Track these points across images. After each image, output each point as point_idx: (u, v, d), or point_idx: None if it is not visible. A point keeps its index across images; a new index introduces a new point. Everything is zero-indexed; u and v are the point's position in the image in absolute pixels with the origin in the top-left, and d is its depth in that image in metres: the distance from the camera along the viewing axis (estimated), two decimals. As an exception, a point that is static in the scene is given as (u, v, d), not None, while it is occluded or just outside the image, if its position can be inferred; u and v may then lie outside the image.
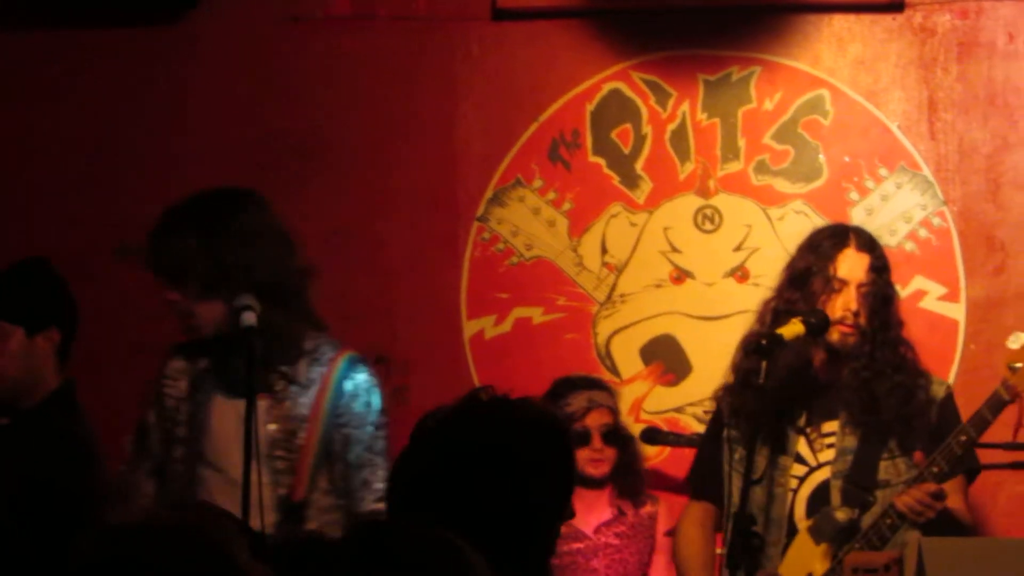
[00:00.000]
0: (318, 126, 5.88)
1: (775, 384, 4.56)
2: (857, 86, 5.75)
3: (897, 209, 5.70)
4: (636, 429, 5.58)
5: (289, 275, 4.62)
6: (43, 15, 5.86)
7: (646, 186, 5.81)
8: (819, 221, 5.58)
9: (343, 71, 5.88)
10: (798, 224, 5.63)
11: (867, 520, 4.60)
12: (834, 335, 4.67)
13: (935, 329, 5.55)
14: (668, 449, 5.67)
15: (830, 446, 4.71)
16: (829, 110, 5.76)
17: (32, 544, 4.04)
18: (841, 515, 4.64)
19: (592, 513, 5.19)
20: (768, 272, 5.61)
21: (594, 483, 5.17)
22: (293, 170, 5.82)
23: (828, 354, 4.71)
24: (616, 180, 5.82)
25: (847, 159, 5.75)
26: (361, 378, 4.66)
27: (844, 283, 4.69)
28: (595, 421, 5.22)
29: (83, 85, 5.93)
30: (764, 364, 4.48)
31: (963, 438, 4.54)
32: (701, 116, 5.81)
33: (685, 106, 5.81)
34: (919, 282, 5.65)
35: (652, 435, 5.60)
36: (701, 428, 5.60)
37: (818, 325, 4.62)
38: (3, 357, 4.56)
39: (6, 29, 5.88)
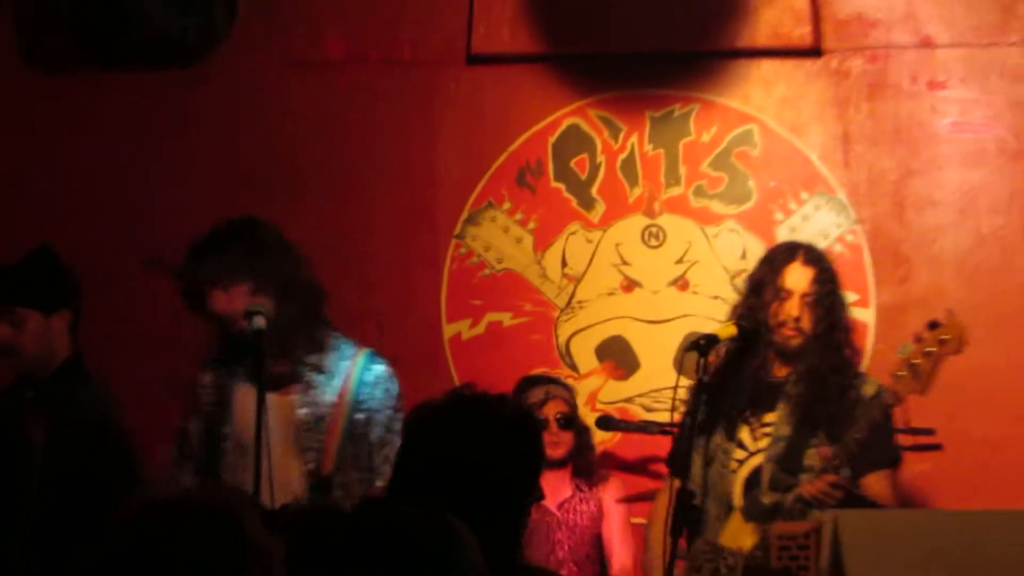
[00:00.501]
0: (315, 154, 5.91)
1: (732, 380, 4.67)
2: (782, 121, 5.79)
3: (816, 227, 5.74)
4: (592, 417, 5.67)
5: (309, 281, 4.76)
6: (81, 60, 5.86)
7: (600, 208, 5.86)
8: (749, 238, 5.69)
9: (337, 107, 5.92)
10: (731, 240, 5.76)
11: (788, 501, 4.61)
12: (779, 337, 4.72)
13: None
14: (619, 434, 5.74)
15: (767, 435, 4.72)
16: (757, 142, 5.80)
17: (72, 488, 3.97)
18: (766, 499, 4.65)
19: (555, 492, 5.21)
20: (705, 282, 5.76)
21: (553, 464, 5.21)
22: (294, 193, 5.81)
23: (777, 355, 4.74)
24: (574, 203, 5.87)
25: (773, 184, 5.80)
26: (380, 369, 4.79)
27: (790, 292, 4.71)
28: (551, 410, 5.25)
29: (112, 119, 5.96)
30: (702, 360, 4.58)
31: (857, 436, 4.52)
32: (647, 147, 5.85)
33: (634, 139, 5.84)
34: None
35: (606, 422, 5.68)
36: (648, 416, 5.70)
37: (749, 328, 4.72)
38: (24, 336, 4.64)
39: (50, 72, 5.91)
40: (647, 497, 5.21)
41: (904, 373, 4.55)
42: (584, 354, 5.85)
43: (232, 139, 5.94)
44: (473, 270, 5.89)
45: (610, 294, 5.85)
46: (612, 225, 5.86)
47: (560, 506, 5.28)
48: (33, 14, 5.88)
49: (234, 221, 4.79)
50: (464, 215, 5.89)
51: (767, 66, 5.79)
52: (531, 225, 5.88)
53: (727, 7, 5.74)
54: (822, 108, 5.77)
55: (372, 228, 5.89)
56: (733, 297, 5.12)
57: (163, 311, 5.71)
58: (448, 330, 5.88)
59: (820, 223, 5.75)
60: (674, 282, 5.82)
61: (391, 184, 5.90)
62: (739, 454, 4.75)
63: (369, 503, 2.65)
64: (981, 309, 5.61)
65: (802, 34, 5.73)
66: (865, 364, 5.60)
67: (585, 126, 5.87)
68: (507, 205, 5.88)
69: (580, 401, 5.61)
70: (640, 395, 5.81)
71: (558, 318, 5.86)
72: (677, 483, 4.79)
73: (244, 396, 4.72)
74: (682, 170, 5.83)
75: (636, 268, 5.84)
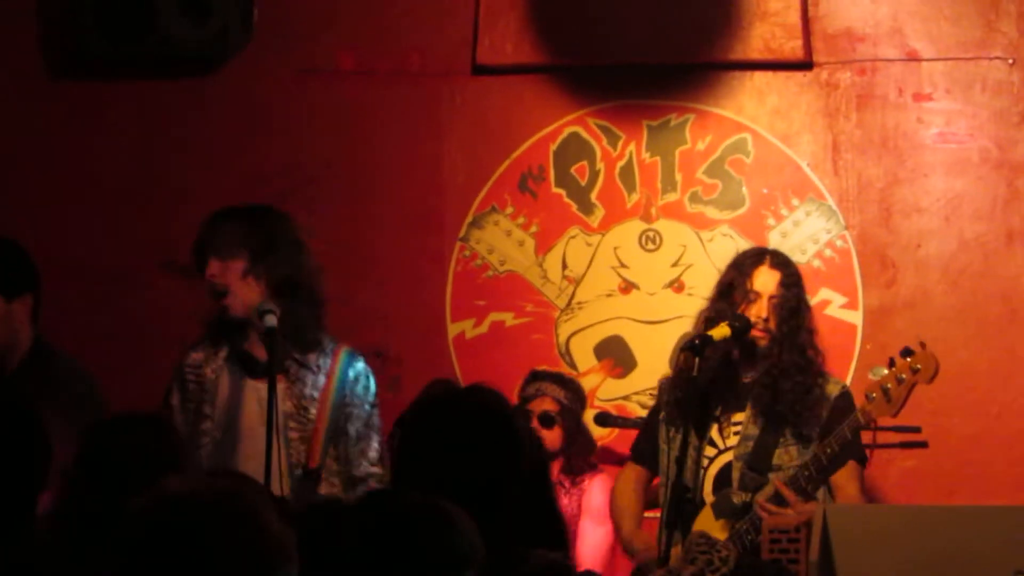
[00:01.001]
0: (326, 161, 5.90)
1: (705, 378, 4.63)
2: (774, 131, 5.77)
3: (806, 232, 5.74)
4: (591, 414, 5.66)
5: (311, 277, 4.73)
6: (101, 68, 5.87)
7: (599, 213, 5.85)
8: (742, 242, 5.64)
9: (348, 116, 5.90)
10: (725, 245, 5.70)
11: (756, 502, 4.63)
12: (748, 338, 4.70)
13: (837, 332, 5.53)
14: (617, 430, 5.72)
15: (736, 433, 4.72)
16: (751, 150, 5.78)
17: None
18: (736, 498, 4.66)
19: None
20: (700, 284, 5.76)
21: None
22: (305, 197, 5.81)
23: (744, 355, 4.74)
24: (574, 208, 5.86)
25: (765, 191, 5.79)
26: (360, 366, 4.77)
27: (758, 295, 4.71)
28: (536, 407, 5.29)
29: (130, 124, 5.94)
30: (696, 360, 4.57)
31: (828, 451, 4.56)
32: (645, 155, 5.83)
33: (632, 146, 5.83)
34: (824, 293, 5.65)
35: (604, 419, 5.70)
36: (645, 413, 5.68)
37: (741, 328, 4.70)
38: None
39: (71, 79, 5.93)
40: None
41: (876, 395, 4.59)
42: (583, 353, 5.84)
43: (246, 145, 5.94)
44: (477, 272, 5.88)
45: (608, 295, 5.84)
46: (611, 229, 5.85)
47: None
48: (56, 23, 5.88)
49: (254, 205, 4.80)
50: (468, 219, 5.88)
51: (760, 78, 5.78)
52: (533, 229, 5.87)
53: (722, 22, 5.73)
54: (812, 118, 5.76)
55: (380, 231, 5.90)
56: (727, 299, 5.13)
57: (178, 313, 5.72)
58: (452, 329, 5.87)
59: (810, 228, 5.75)
60: (670, 284, 5.82)
61: (399, 189, 5.90)
62: (709, 451, 4.75)
63: (376, 495, 2.70)
64: (964, 312, 5.67)
65: (793, 48, 5.73)
66: (852, 364, 5.65)
67: (585, 134, 5.86)
68: (510, 209, 5.88)
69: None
70: (637, 393, 5.80)
71: (558, 318, 5.85)
72: (639, 469, 4.82)
73: (228, 379, 4.69)
74: (678, 177, 5.83)
75: (633, 271, 5.84)
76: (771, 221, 5.77)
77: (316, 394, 4.67)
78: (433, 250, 5.88)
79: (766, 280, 4.73)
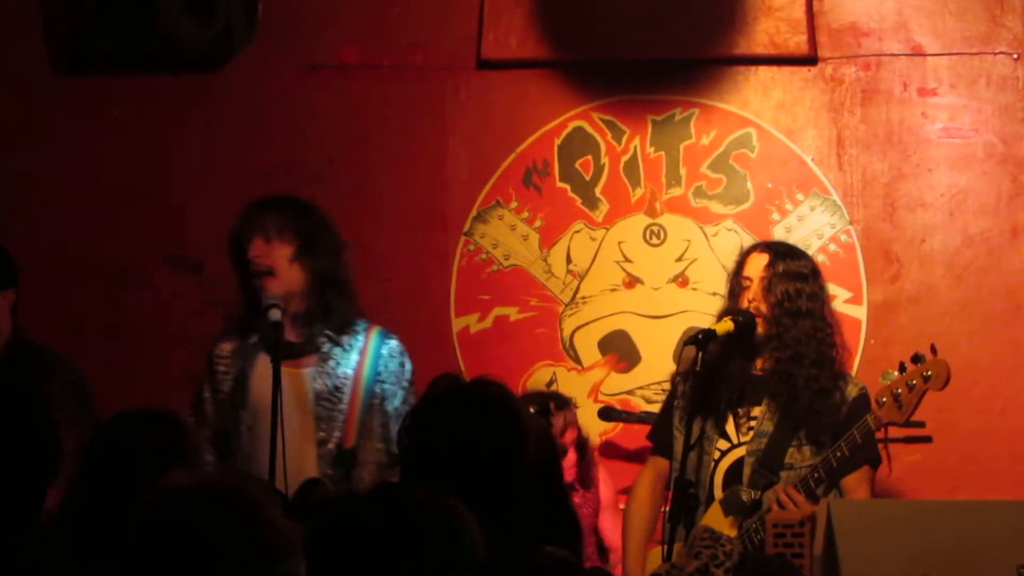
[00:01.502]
0: (330, 155, 5.90)
1: (707, 372, 4.62)
2: (778, 125, 5.76)
3: (811, 227, 5.73)
4: (595, 408, 5.71)
5: (349, 276, 4.82)
6: (107, 65, 5.86)
7: (604, 207, 5.84)
8: (747, 237, 5.64)
9: (353, 110, 5.90)
10: (729, 239, 5.71)
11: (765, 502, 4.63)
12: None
13: (842, 326, 5.51)
14: (621, 424, 5.74)
15: (751, 429, 4.71)
16: (755, 145, 5.77)
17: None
18: (745, 496, 4.66)
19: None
20: (704, 279, 5.76)
21: None
22: (309, 192, 5.81)
23: (745, 343, 4.71)
24: (579, 202, 5.85)
25: (770, 186, 5.77)
26: (394, 343, 4.82)
27: (749, 280, 4.74)
28: (568, 439, 5.20)
29: (136, 121, 5.95)
30: (699, 354, 4.59)
31: (838, 454, 4.56)
32: (649, 149, 5.82)
33: (636, 141, 5.82)
34: (829, 288, 5.59)
35: (608, 413, 5.71)
36: (649, 407, 5.71)
37: (745, 323, 4.71)
38: None
39: (76, 76, 5.92)
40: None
41: (887, 400, 4.58)
42: (587, 348, 5.83)
43: (251, 140, 5.93)
44: (481, 266, 5.87)
45: (613, 290, 5.83)
46: (615, 224, 5.84)
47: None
48: (61, 21, 5.87)
49: (301, 198, 4.85)
50: (473, 213, 5.87)
51: (765, 73, 5.77)
52: (537, 223, 5.86)
53: (727, 17, 5.72)
54: (817, 113, 5.74)
55: (385, 225, 5.88)
56: (731, 294, 5.09)
57: (179, 310, 5.72)
58: (457, 324, 5.87)
59: (815, 223, 5.74)
60: (674, 279, 5.80)
61: (404, 183, 5.89)
62: (723, 444, 4.75)
63: (379, 489, 2.65)
64: (968, 307, 5.66)
65: (798, 43, 5.71)
66: (856, 359, 5.62)
67: (590, 129, 5.84)
68: (514, 204, 5.86)
69: (583, 393, 5.67)
70: (641, 387, 5.79)
71: (562, 313, 5.84)
72: (660, 462, 4.80)
73: (262, 366, 4.67)
74: (682, 171, 5.81)
75: (638, 265, 5.82)
76: (775, 216, 5.76)
77: (350, 371, 4.69)
78: (437, 244, 5.88)
79: (756, 264, 4.76)
